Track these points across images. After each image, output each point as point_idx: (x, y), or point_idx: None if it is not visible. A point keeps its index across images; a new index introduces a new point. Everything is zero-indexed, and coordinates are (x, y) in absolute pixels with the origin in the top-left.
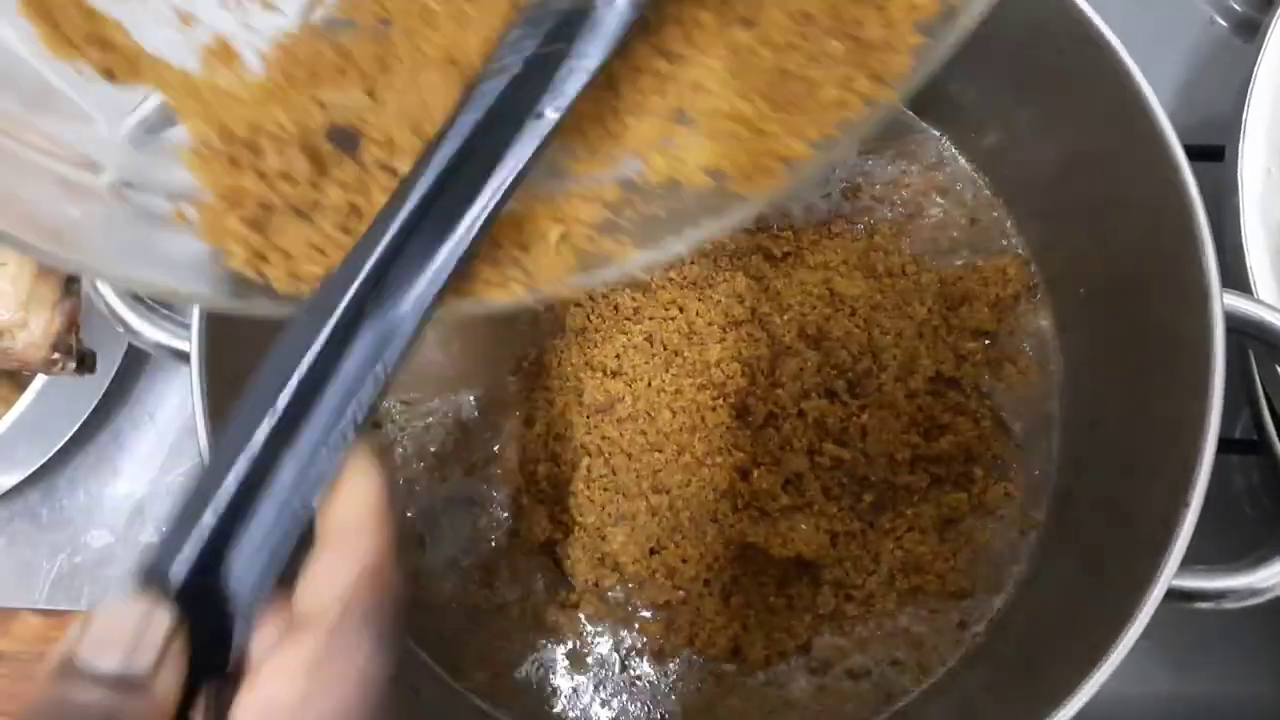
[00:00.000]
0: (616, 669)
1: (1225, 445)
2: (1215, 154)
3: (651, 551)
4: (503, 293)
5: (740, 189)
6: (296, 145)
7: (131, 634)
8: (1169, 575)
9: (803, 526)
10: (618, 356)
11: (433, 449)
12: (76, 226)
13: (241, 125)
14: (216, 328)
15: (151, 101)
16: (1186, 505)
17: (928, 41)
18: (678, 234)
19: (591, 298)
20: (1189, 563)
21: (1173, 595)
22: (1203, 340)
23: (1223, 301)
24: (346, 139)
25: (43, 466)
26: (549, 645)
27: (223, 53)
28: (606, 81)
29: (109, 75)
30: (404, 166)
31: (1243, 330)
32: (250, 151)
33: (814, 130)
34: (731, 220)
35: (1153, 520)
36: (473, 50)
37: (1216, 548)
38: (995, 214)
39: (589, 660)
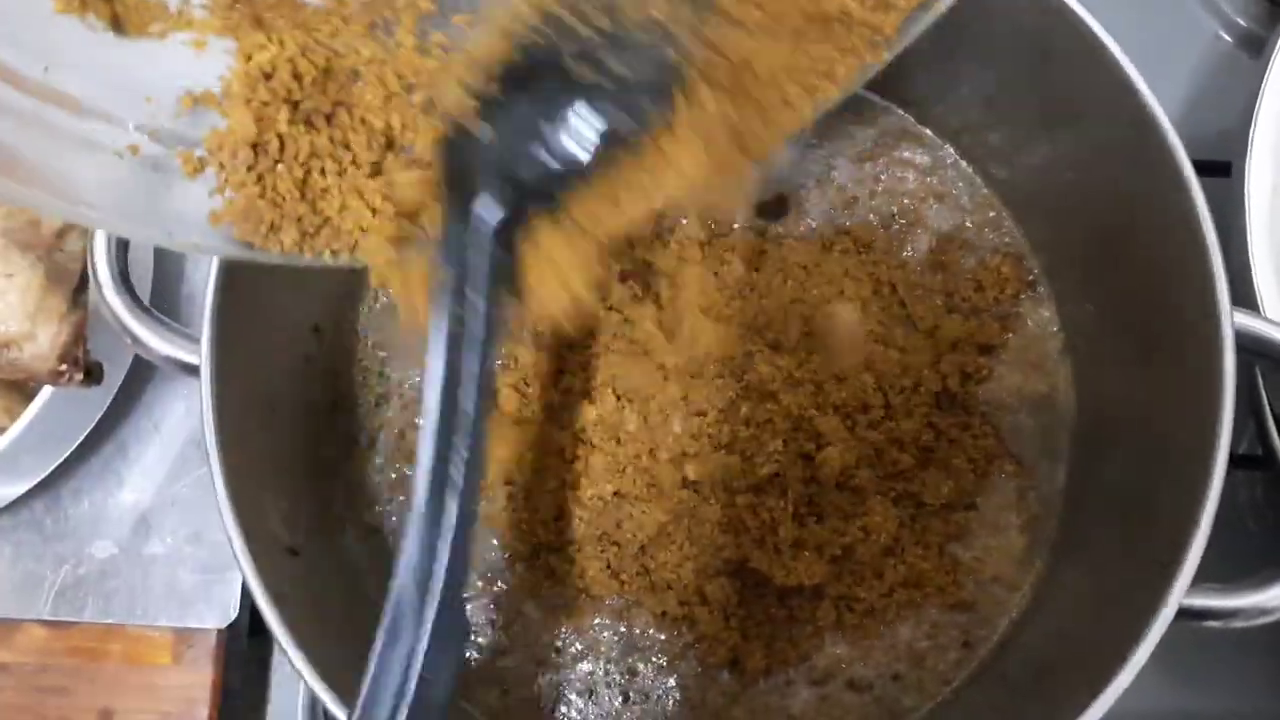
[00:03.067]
0: (618, 680)
1: (1230, 460)
2: (1221, 169)
3: (651, 566)
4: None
5: None
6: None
7: None
8: (1179, 595)
9: (806, 554)
10: (613, 379)
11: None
12: (90, 182)
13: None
14: (226, 341)
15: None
16: (1196, 525)
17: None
18: None
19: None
20: (1195, 579)
21: (1182, 614)
22: (1213, 360)
23: (1233, 321)
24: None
25: (48, 477)
26: (551, 660)
27: None
28: None
29: (117, 27)
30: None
31: (1252, 349)
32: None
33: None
34: None
35: (1162, 540)
36: None
37: (1219, 562)
38: (992, 214)
39: (591, 673)
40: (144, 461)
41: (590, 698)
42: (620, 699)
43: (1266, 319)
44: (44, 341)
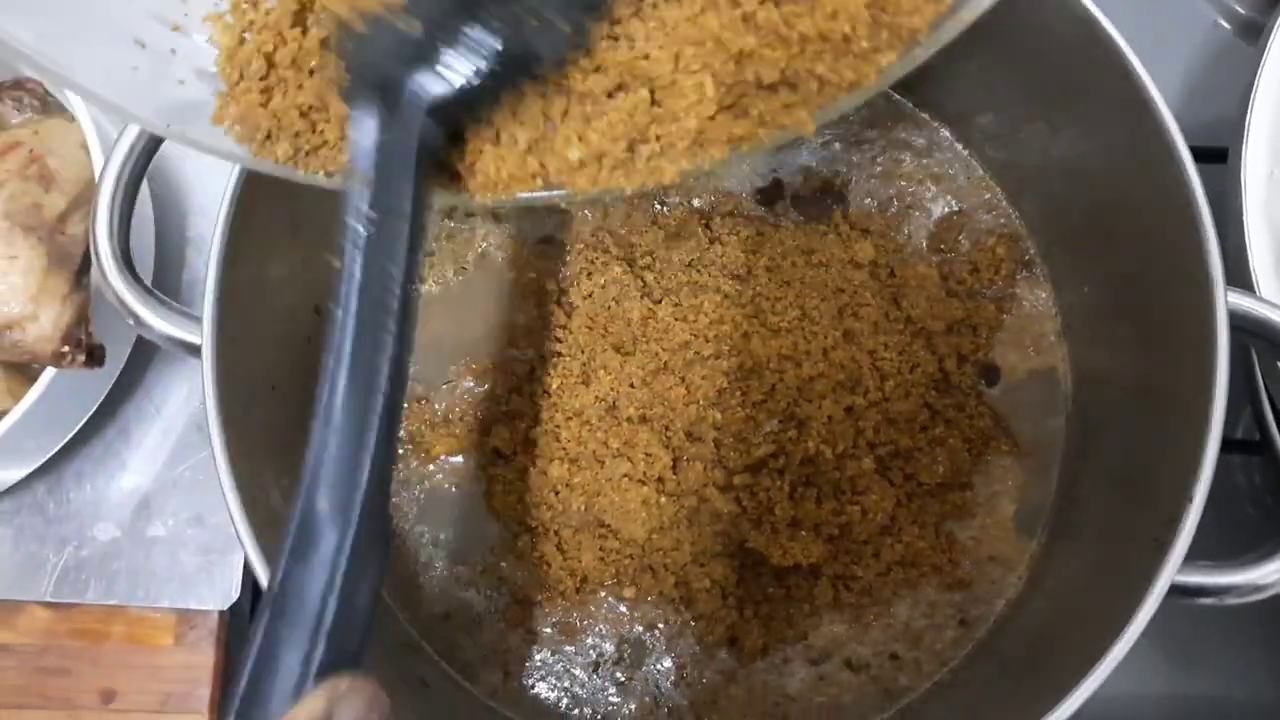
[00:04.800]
0: (617, 659)
1: (1227, 445)
2: (1218, 155)
3: (648, 549)
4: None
5: None
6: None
7: None
8: (1173, 571)
9: (802, 533)
10: (608, 361)
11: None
12: (102, 60)
13: None
14: (227, 321)
15: None
16: (1190, 500)
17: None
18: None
19: (589, 316)
20: (1191, 560)
21: (1176, 591)
22: (1207, 338)
23: (1227, 300)
24: None
25: (50, 460)
26: (550, 639)
27: None
28: None
29: None
30: None
31: (1246, 329)
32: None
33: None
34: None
35: (1157, 516)
36: None
37: (1218, 547)
38: (988, 196)
39: (590, 652)
40: (146, 444)
41: (591, 674)
42: (619, 678)
43: (1261, 299)
44: (46, 323)
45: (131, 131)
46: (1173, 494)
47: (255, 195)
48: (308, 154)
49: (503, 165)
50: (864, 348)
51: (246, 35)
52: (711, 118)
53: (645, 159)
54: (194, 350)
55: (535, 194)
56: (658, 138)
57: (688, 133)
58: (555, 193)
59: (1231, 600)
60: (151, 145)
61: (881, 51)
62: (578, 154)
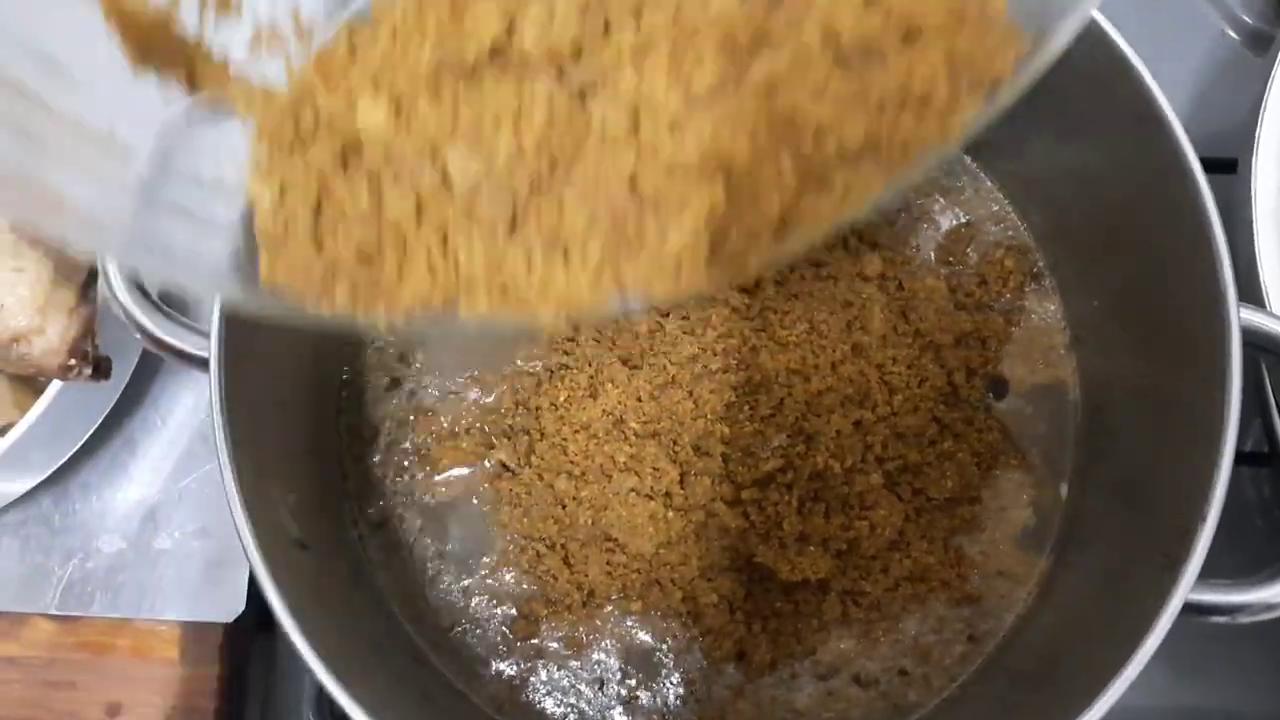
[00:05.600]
0: (624, 674)
1: (1236, 458)
2: (1227, 166)
3: (655, 563)
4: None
5: None
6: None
7: None
8: (1186, 589)
9: (810, 548)
10: (616, 374)
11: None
12: (100, 215)
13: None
14: (234, 335)
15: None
16: (1203, 519)
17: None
18: None
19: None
20: (1201, 576)
21: (1188, 609)
22: (1219, 353)
23: (1239, 315)
24: None
25: (56, 472)
26: (556, 653)
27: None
28: None
29: (191, 85)
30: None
31: (1258, 344)
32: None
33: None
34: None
35: (1168, 533)
36: None
37: (1227, 560)
38: (996, 208)
39: (596, 666)
40: (151, 456)
41: (597, 691)
42: (626, 692)
43: (1272, 314)
44: (53, 336)
45: None
46: (1183, 509)
47: None
48: (367, 295)
49: (576, 285)
50: (872, 361)
51: (286, 189)
52: (794, 200)
53: (727, 256)
54: (201, 364)
55: (608, 309)
56: (738, 232)
57: (771, 221)
58: (631, 303)
59: (1243, 619)
60: None
61: (963, 102)
62: (660, 263)
